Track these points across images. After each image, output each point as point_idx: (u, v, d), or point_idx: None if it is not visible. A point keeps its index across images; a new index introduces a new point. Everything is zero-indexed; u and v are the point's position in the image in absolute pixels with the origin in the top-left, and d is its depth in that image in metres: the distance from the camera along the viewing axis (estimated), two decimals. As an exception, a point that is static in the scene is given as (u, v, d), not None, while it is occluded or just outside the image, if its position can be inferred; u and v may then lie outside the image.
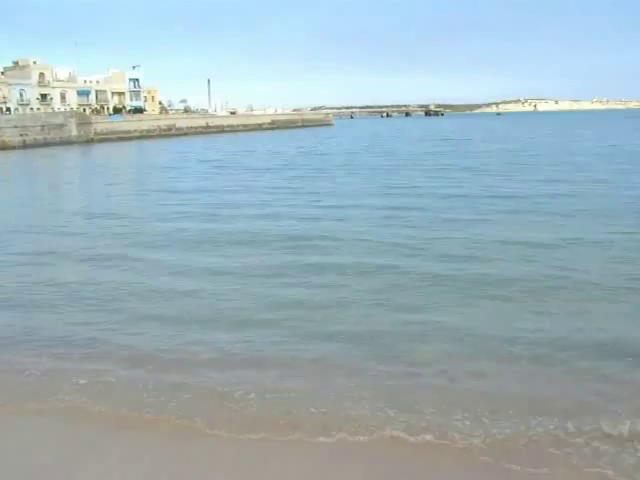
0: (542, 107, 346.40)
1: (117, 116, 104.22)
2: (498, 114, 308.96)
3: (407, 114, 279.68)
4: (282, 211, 21.92)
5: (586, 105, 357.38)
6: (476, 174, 32.76)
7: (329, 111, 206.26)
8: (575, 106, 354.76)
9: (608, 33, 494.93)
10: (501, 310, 10.54)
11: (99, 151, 69.30)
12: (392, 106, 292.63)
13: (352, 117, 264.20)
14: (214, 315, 10.67)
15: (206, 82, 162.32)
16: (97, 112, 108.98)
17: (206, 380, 8.05)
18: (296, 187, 29.19)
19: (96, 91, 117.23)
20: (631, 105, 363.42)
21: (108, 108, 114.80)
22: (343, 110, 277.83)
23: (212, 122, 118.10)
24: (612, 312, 10.31)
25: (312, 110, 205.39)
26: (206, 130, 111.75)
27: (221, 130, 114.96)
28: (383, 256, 14.52)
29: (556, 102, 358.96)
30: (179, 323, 10.32)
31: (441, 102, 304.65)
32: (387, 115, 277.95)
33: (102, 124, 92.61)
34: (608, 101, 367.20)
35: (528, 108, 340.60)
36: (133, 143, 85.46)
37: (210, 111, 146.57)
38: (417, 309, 10.70)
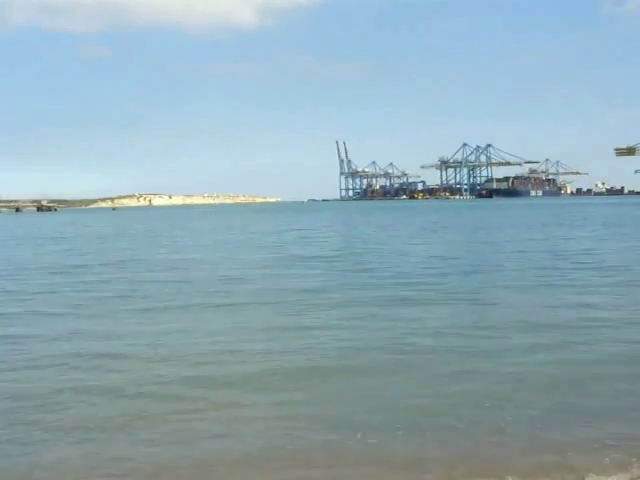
0: (157, 202, 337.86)
1: None
2: (113, 209, 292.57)
3: (17, 209, 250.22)
4: None
5: (198, 200, 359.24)
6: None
7: None
8: (188, 200, 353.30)
9: (208, 136, 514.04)
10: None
11: None
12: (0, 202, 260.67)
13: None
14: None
15: None
16: None
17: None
18: None
19: None
20: (239, 200, 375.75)
21: None
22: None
23: None
24: None
25: None
26: None
27: None
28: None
29: (170, 197, 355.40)
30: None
31: (54, 197, 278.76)
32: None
33: None
34: (218, 196, 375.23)
35: (143, 203, 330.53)
36: None
37: None
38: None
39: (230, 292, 17.62)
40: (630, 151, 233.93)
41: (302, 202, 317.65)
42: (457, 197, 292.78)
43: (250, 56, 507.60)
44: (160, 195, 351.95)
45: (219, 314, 14.56)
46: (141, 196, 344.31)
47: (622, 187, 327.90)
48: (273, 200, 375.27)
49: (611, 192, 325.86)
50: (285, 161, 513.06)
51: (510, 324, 12.67)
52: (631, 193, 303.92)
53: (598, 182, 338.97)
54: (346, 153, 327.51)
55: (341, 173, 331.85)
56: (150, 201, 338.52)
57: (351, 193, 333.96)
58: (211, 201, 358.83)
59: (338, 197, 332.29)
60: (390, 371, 9.72)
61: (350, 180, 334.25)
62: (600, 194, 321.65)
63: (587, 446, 6.83)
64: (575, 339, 11.36)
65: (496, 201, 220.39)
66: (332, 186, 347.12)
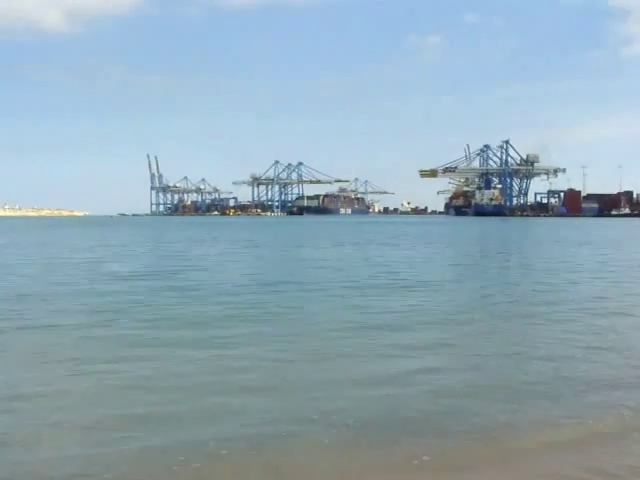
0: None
1: None
2: None
3: None
4: None
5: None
6: None
7: None
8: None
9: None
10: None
11: None
12: None
13: None
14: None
15: None
16: None
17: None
18: None
19: None
20: (43, 213, 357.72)
21: None
22: None
23: None
24: None
25: None
26: None
27: None
28: None
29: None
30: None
31: None
32: None
33: None
34: (20, 208, 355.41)
35: None
36: None
37: None
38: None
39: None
40: (433, 173, 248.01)
41: (111, 216, 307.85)
42: (269, 214, 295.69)
43: (57, 62, 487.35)
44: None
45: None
46: None
47: (426, 207, 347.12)
48: (81, 214, 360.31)
49: (416, 211, 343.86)
50: (94, 174, 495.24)
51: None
52: (434, 212, 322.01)
53: (404, 202, 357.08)
54: (157, 167, 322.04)
55: (152, 188, 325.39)
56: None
57: (162, 208, 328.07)
58: (12, 213, 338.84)
59: (149, 212, 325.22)
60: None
61: (161, 195, 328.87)
62: (406, 213, 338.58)
63: None
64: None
65: (306, 218, 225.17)
66: (143, 201, 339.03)
